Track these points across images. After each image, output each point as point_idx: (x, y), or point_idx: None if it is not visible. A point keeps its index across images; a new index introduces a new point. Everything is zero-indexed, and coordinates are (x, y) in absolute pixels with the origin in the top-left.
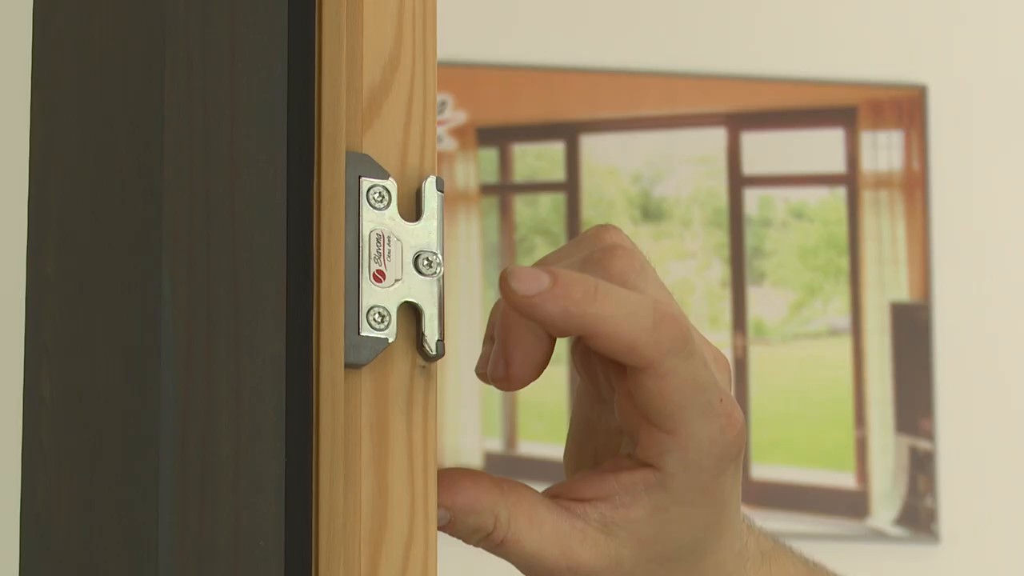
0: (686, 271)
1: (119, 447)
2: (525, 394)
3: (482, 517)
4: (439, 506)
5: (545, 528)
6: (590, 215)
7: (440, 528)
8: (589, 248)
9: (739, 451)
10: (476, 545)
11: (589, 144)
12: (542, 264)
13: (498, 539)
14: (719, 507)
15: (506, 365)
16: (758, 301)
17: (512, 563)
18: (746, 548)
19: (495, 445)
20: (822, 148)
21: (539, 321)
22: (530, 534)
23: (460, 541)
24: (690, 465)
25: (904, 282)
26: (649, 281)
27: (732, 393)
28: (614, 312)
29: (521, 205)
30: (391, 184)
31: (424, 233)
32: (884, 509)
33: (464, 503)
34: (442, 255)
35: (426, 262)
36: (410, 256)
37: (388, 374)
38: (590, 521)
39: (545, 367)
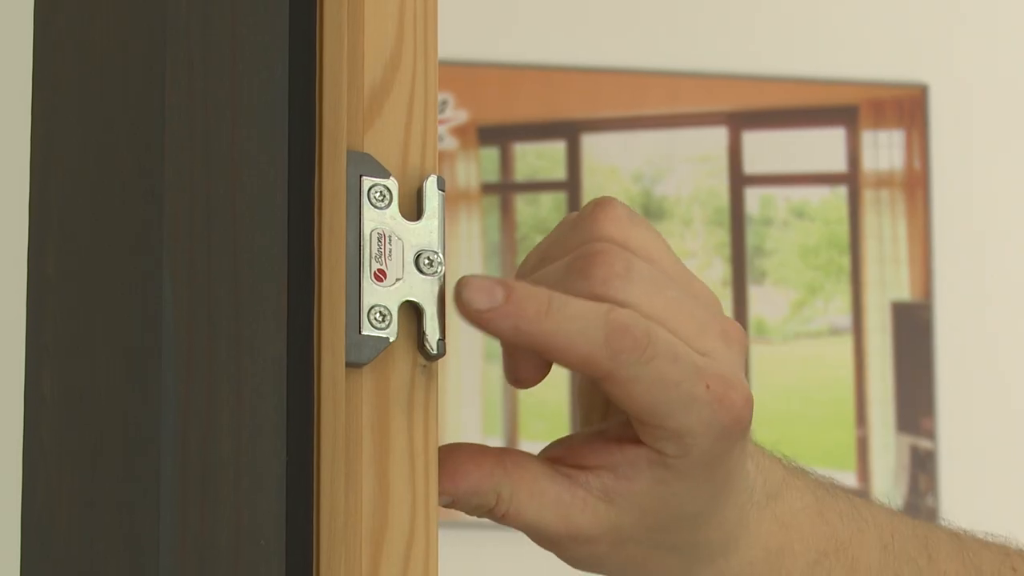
0: None
1: (120, 447)
2: (526, 394)
3: (485, 497)
4: (443, 494)
5: (546, 499)
6: None
7: (443, 506)
8: (575, 246)
9: (743, 429)
10: (479, 517)
11: (590, 143)
12: (533, 257)
13: (500, 513)
14: (725, 479)
15: (513, 369)
16: (759, 300)
17: (515, 529)
18: (752, 495)
19: (496, 444)
20: (823, 147)
21: (491, 335)
22: (531, 506)
23: (460, 541)
24: (690, 450)
25: (905, 281)
26: (634, 281)
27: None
28: (566, 328)
29: (522, 204)
30: (392, 183)
31: (425, 232)
32: None
33: (467, 488)
34: (443, 254)
35: (427, 261)
36: (411, 255)
37: (389, 373)
38: (591, 490)
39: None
